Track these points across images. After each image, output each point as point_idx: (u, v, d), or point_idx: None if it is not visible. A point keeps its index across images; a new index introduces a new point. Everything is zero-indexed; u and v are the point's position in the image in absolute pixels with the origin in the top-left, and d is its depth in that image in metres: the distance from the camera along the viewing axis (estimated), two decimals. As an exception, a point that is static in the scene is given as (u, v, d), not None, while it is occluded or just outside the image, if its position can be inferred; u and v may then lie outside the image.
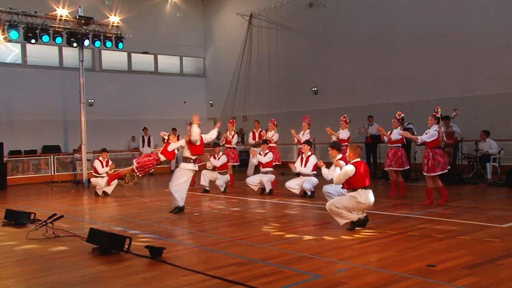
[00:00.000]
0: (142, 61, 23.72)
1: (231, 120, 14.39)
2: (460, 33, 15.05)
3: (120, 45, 16.15)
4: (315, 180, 10.50)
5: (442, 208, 8.67)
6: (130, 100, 22.25)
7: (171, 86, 23.84)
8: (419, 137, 9.33)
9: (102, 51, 21.42)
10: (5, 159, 16.62)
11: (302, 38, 20.29)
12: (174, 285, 4.78)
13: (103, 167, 12.56)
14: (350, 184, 7.00)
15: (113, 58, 22.42)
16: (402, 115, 10.34)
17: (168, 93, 23.51)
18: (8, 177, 16.30)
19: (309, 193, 10.52)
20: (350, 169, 6.93)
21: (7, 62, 19.81)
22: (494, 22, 14.30)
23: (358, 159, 7.11)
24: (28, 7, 14.70)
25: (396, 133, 10.11)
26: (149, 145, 19.84)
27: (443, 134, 13.45)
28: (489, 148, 12.78)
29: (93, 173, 12.64)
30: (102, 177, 12.47)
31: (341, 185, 7.27)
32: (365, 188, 6.95)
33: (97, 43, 15.80)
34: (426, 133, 9.26)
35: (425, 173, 9.28)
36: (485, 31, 14.47)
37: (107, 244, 6.06)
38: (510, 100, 14.00)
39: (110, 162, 12.79)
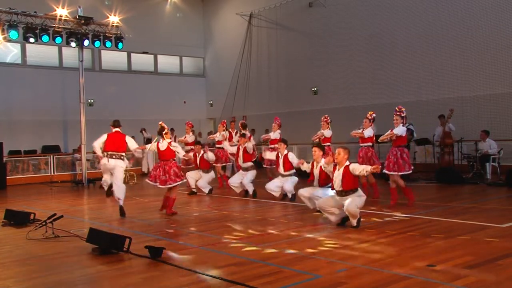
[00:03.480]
0: (142, 61, 23.72)
1: (222, 121, 14.18)
2: (460, 33, 15.04)
3: (120, 45, 16.14)
4: (295, 179, 10.18)
5: (442, 208, 8.67)
6: (130, 100, 22.24)
7: (171, 86, 23.84)
8: (394, 131, 8.94)
9: (102, 51, 21.43)
10: (4, 159, 16.62)
11: (302, 38, 20.28)
12: (174, 285, 4.77)
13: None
14: (355, 184, 7.16)
15: (112, 58, 22.41)
16: (374, 115, 10.14)
17: (168, 93, 23.51)
18: (7, 177, 16.31)
19: (289, 195, 10.18)
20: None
21: (7, 62, 19.80)
22: (494, 22, 14.29)
23: None
24: (28, 7, 14.70)
25: (369, 132, 9.94)
26: (147, 144, 19.79)
27: (440, 133, 13.51)
28: (488, 148, 12.78)
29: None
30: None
31: (342, 186, 7.19)
32: None
33: (97, 43, 15.79)
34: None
35: (389, 172, 8.93)
36: (485, 31, 14.47)
37: (107, 244, 6.06)
38: (510, 100, 14.00)
39: None
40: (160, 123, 9.33)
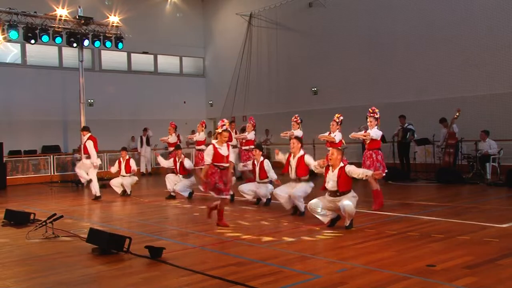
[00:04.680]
0: (142, 61, 23.72)
1: (201, 121, 13.61)
2: (460, 33, 15.04)
3: (120, 45, 16.14)
4: (271, 186, 9.75)
5: (442, 208, 8.67)
6: (130, 100, 22.25)
7: (171, 86, 23.84)
8: (371, 133, 8.89)
9: (102, 51, 21.42)
10: (4, 159, 16.61)
11: (302, 38, 20.28)
12: (174, 285, 4.78)
13: (120, 167, 12.44)
14: (350, 185, 7.09)
15: (112, 58, 22.41)
16: (341, 118, 9.83)
17: (168, 93, 23.51)
18: (7, 177, 16.30)
19: (264, 199, 9.85)
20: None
21: (7, 62, 19.80)
22: (494, 22, 14.29)
23: None
24: (28, 7, 14.69)
25: (339, 136, 9.65)
26: (147, 144, 19.81)
27: (445, 135, 13.57)
28: (488, 148, 12.78)
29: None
30: (123, 176, 12.42)
31: (336, 186, 7.07)
32: None
33: (97, 43, 15.78)
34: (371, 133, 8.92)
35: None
36: (485, 31, 14.47)
37: (107, 244, 6.06)
38: (510, 100, 14.00)
39: (132, 165, 12.45)
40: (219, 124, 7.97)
